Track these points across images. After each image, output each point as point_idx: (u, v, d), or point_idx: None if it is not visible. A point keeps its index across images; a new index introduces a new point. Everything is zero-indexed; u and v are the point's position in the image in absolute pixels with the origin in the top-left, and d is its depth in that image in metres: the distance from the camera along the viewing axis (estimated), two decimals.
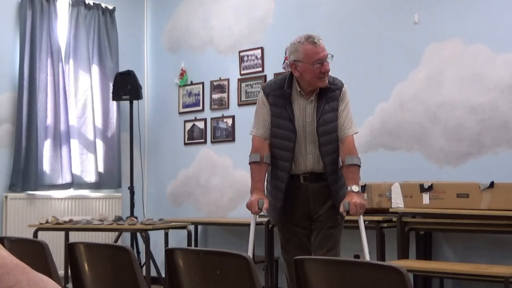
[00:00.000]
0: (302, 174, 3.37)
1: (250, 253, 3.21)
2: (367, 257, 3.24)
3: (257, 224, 5.27)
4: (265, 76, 5.90)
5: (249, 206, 3.34)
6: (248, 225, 5.35)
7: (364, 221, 3.39)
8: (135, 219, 5.10)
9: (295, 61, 3.29)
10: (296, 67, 3.29)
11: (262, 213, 3.40)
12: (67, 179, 5.99)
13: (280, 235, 3.51)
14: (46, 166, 5.91)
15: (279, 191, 3.36)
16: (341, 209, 3.24)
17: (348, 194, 3.28)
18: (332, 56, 3.32)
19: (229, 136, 6.17)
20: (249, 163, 3.43)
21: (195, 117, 6.44)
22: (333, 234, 3.38)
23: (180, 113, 6.57)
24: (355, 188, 3.27)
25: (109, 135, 6.41)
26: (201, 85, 6.43)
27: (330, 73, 3.34)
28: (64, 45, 6.15)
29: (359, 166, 3.34)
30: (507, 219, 4.10)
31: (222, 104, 6.24)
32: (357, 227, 3.37)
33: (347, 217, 3.36)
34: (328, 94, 3.34)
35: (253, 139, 3.45)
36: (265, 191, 3.43)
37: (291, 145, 3.32)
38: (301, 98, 3.35)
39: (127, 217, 5.32)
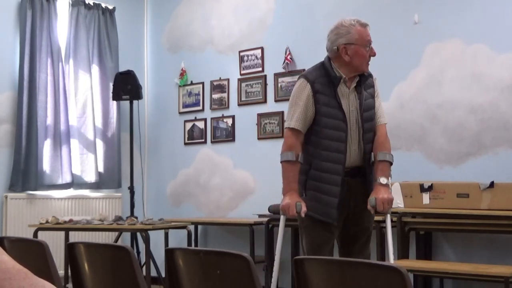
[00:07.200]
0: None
1: (277, 257, 3.14)
2: (392, 260, 3.00)
3: (257, 224, 5.33)
4: (265, 76, 5.90)
5: (286, 209, 3.05)
6: (248, 225, 5.41)
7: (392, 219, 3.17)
8: (135, 219, 5.10)
9: (347, 44, 3.11)
10: (347, 51, 3.12)
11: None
12: (67, 179, 5.99)
13: (309, 238, 3.18)
14: (46, 166, 5.91)
15: (334, 185, 3.08)
16: (368, 206, 3.02)
17: (375, 187, 3.05)
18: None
19: (229, 136, 6.17)
20: (281, 162, 3.17)
21: (195, 117, 6.44)
22: (369, 238, 3.24)
23: (180, 113, 6.57)
24: (383, 180, 3.05)
25: (109, 135, 6.41)
26: (201, 85, 6.42)
27: None
28: (64, 45, 6.15)
29: (391, 164, 3.17)
30: (507, 219, 4.10)
31: (222, 104, 6.24)
32: None
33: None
34: (366, 81, 3.23)
35: (287, 134, 3.17)
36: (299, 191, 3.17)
37: (343, 135, 3.11)
38: (343, 85, 3.17)
39: (127, 217, 5.32)
